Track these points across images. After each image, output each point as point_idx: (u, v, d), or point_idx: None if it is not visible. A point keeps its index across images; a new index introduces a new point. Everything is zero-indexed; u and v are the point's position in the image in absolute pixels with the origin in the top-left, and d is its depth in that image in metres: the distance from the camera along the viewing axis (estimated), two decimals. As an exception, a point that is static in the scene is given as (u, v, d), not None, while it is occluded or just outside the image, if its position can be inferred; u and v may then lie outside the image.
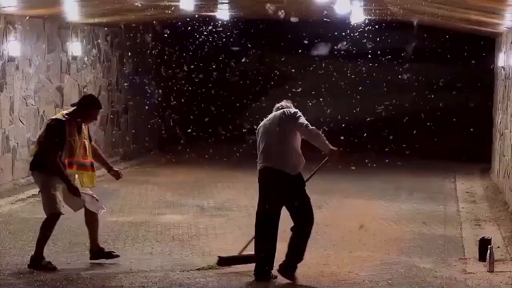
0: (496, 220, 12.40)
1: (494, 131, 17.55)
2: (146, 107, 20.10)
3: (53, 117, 9.23)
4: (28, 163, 15.06)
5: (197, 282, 8.63)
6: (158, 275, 8.85)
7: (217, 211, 12.95)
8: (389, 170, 17.62)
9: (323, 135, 8.76)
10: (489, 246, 9.39)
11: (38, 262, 9.04)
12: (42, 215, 12.26)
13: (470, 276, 9.07)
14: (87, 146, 9.23)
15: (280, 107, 9.05)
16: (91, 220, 9.36)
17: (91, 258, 9.37)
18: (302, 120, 8.77)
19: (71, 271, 8.92)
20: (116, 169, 9.49)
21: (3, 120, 14.35)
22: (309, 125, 8.75)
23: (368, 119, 21.08)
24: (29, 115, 15.25)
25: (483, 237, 9.87)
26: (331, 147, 8.72)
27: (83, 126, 9.19)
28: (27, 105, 15.17)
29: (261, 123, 9.00)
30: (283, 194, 8.72)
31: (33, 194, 14.15)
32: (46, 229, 9.18)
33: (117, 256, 9.35)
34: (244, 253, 9.27)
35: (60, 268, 9.04)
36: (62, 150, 8.97)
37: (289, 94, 16.29)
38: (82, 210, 9.35)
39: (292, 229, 8.74)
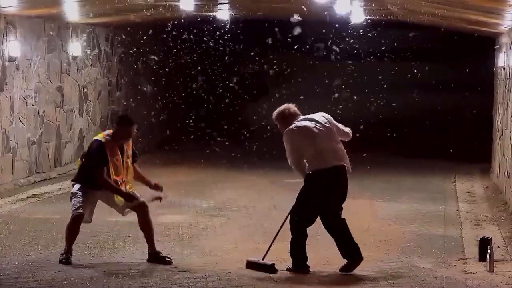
0: (496, 220, 12.39)
1: (494, 131, 17.53)
2: (147, 107, 20.08)
3: (95, 138, 9.43)
4: (28, 163, 15.25)
5: (197, 282, 8.64)
6: (158, 275, 8.86)
7: (217, 211, 12.94)
8: (389, 170, 17.61)
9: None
10: (489, 246, 9.39)
11: (61, 257, 9.32)
12: (42, 215, 12.32)
13: (470, 276, 9.08)
14: (129, 166, 9.52)
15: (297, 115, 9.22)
16: (145, 223, 9.48)
17: (148, 260, 9.44)
18: None
19: (71, 271, 8.92)
20: (156, 182, 9.68)
21: (3, 120, 14.36)
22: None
23: (369, 121, 21.07)
24: (29, 115, 15.25)
25: (483, 237, 9.86)
26: None
27: (125, 146, 9.44)
28: (27, 105, 15.18)
29: (302, 126, 9.03)
30: (344, 191, 9.12)
31: (33, 194, 14.18)
32: (68, 229, 9.42)
33: (170, 262, 9.35)
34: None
35: (60, 268, 9.05)
36: (107, 168, 9.21)
37: (288, 94, 16.28)
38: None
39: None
